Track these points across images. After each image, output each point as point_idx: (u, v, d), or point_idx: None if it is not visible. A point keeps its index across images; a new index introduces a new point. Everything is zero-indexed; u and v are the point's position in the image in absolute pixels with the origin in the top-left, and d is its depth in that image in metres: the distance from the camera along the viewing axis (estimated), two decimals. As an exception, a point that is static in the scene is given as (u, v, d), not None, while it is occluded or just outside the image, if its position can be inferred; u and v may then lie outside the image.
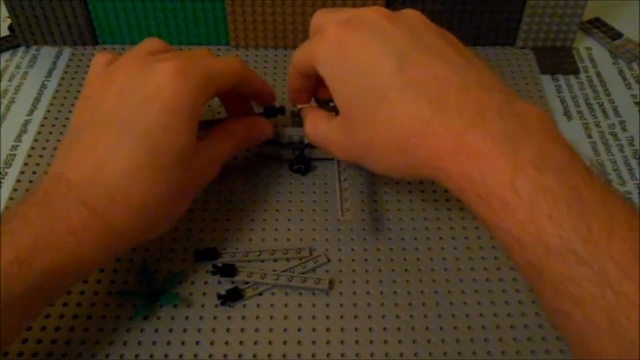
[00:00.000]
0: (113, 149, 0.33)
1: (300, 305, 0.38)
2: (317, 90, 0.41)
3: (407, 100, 0.31)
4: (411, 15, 0.34)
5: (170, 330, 0.36)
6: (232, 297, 0.37)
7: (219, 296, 0.37)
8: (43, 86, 0.52)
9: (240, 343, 0.36)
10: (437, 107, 0.30)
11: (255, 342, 0.36)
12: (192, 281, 0.39)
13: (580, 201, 0.26)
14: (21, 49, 0.55)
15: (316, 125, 0.38)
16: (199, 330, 0.36)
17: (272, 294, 0.38)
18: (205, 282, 0.39)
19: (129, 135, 0.33)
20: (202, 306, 0.37)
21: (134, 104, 0.34)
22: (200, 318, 0.37)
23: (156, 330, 0.36)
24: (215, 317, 0.37)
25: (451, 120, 0.30)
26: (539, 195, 0.26)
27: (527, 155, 0.27)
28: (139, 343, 0.36)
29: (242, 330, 0.36)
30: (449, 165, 0.29)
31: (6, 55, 0.55)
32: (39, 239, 0.31)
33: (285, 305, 0.38)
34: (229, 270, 0.38)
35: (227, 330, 0.36)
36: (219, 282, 0.39)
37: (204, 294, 0.38)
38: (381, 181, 0.44)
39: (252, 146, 0.44)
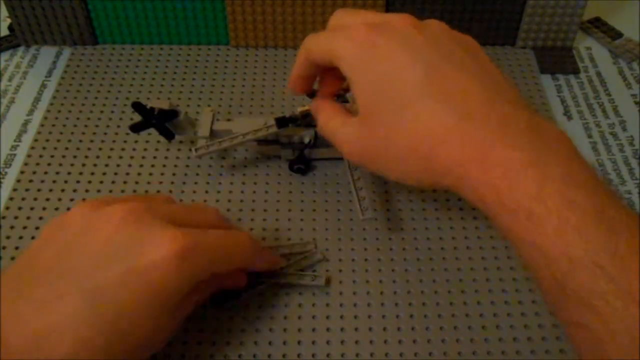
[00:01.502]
0: (68, 324, 0.28)
1: (300, 305, 0.38)
2: (320, 82, 0.40)
3: (432, 108, 0.31)
4: (436, 25, 0.34)
5: (171, 331, 0.36)
6: (225, 299, 0.37)
7: (212, 298, 0.37)
8: (43, 86, 0.52)
9: (241, 343, 0.36)
10: (462, 116, 0.30)
11: (256, 342, 0.36)
12: (192, 281, 0.39)
13: (607, 217, 0.26)
14: (21, 49, 0.55)
15: (331, 121, 0.37)
16: (200, 330, 0.36)
17: (273, 294, 0.38)
18: (206, 282, 0.39)
19: (92, 313, 0.28)
20: (203, 306, 0.37)
21: (114, 273, 0.29)
22: (201, 317, 0.37)
23: (156, 331, 0.36)
24: (217, 318, 0.37)
25: (477, 129, 0.29)
26: (567, 209, 0.26)
27: (554, 169, 0.27)
28: (139, 343, 0.36)
29: (242, 330, 0.36)
30: (474, 174, 0.29)
31: (6, 55, 0.55)
32: None
33: (286, 305, 0.38)
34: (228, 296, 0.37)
35: (229, 330, 0.36)
36: (219, 282, 0.39)
37: (204, 294, 0.38)
38: (381, 181, 0.44)
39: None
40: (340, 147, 0.36)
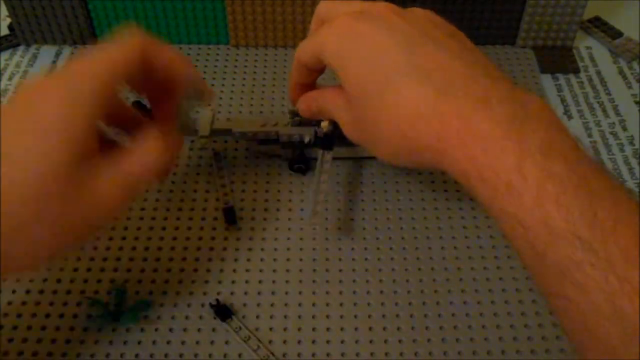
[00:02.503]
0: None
1: (300, 304, 0.38)
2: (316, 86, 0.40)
3: (413, 85, 0.31)
4: (419, 11, 0.35)
5: (171, 330, 0.36)
6: (222, 313, 0.37)
7: (212, 305, 0.37)
8: (43, 86, 0.52)
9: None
10: (443, 92, 0.30)
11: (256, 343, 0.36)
12: (193, 280, 0.39)
13: (587, 187, 0.26)
14: (21, 49, 0.55)
15: (329, 104, 0.37)
16: (199, 330, 0.36)
17: (272, 293, 0.38)
18: (206, 282, 0.39)
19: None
20: (202, 305, 0.37)
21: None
22: (200, 318, 0.37)
23: (156, 330, 0.36)
24: (215, 317, 0.37)
25: (457, 103, 0.30)
26: (546, 179, 0.26)
27: (533, 141, 0.27)
28: (139, 343, 0.36)
29: (242, 329, 0.36)
30: (454, 147, 0.29)
31: (6, 54, 0.55)
32: None
33: (285, 305, 0.38)
34: (224, 312, 0.37)
35: (227, 330, 0.36)
36: (220, 282, 0.39)
37: (204, 293, 0.38)
38: (381, 180, 0.44)
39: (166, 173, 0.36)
40: (342, 129, 0.37)
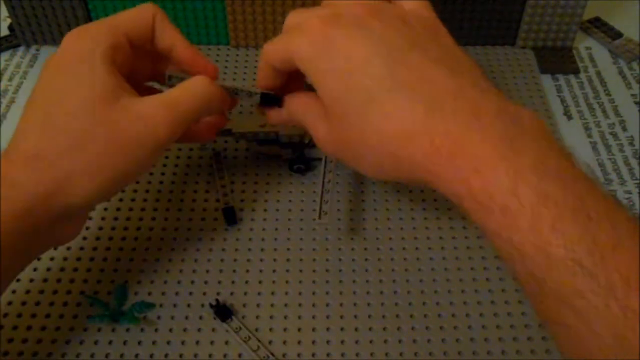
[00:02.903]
0: (23, 122, 0.33)
1: (300, 304, 0.38)
2: (286, 88, 0.38)
3: (398, 102, 0.29)
4: (391, 8, 0.33)
5: (170, 330, 0.36)
6: (221, 313, 0.37)
7: (211, 306, 0.37)
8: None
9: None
10: (431, 109, 0.29)
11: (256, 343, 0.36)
12: (192, 281, 0.39)
13: (584, 210, 0.25)
14: (21, 49, 0.55)
15: (305, 117, 0.35)
16: (199, 330, 0.36)
17: (272, 293, 0.38)
18: (206, 282, 0.39)
19: (37, 102, 0.33)
20: (202, 306, 0.37)
21: (44, 76, 0.34)
22: (200, 318, 0.37)
23: (156, 330, 0.36)
24: (214, 317, 0.37)
25: (446, 122, 0.28)
26: (541, 203, 0.25)
27: (528, 160, 0.26)
28: (139, 343, 0.36)
29: (242, 329, 0.36)
30: (445, 168, 0.28)
31: (6, 55, 0.55)
32: None
33: (285, 305, 0.38)
34: (224, 312, 0.37)
35: (227, 330, 0.36)
36: (219, 282, 0.39)
37: (204, 293, 0.38)
38: (381, 181, 0.44)
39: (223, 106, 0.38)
40: (317, 143, 0.35)
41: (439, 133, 0.28)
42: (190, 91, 0.35)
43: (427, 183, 0.30)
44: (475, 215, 0.27)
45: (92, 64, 0.33)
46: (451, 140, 0.28)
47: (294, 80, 0.37)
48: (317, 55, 0.32)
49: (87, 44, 0.33)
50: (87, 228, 0.41)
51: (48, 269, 0.39)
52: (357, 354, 0.35)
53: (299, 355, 0.35)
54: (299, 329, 0.36)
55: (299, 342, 0.36)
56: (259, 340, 0.36)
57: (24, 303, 0.37)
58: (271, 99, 0.37)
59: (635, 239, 0.24)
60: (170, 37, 0.37)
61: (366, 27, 0.31)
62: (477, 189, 0.27)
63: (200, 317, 0.37)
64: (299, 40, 0.33)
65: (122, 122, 0.32)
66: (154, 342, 0.36)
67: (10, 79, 0.52)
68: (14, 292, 0.38)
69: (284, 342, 0.36)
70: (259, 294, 0.38)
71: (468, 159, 0.27)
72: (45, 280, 0.38)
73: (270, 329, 0.36)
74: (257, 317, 0.37)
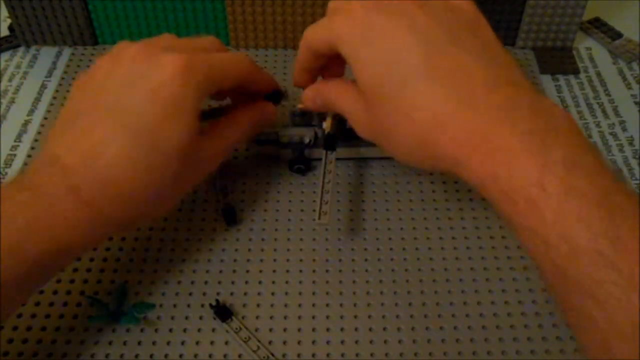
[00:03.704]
0: (109, 139, 0.33)
1: (300, 305, 0.38)
2: (323, 71, 0.40)
3: (431, 90, 0.30)
4: (440, 3, 0.33)
5: (170, 330, 0.36)
6: (221, 314, 0.37)
7: (211, 306, 0.37)
8: (43, 86, 0.52)
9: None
10: (463, 100, 0.29)
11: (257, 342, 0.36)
12: (192, 281, 0.39)
13: (609, 203, 0.25)
14: (21, 49, 0.55)
15: (341, 100, 0.37)
16: (199, 330, 0.36)
17: (272, 293, 0.38)
18: (206, 282, 0.39)
19: (127, 127, 0.33)
20: (202, 306, 0.37)
21: (136, 95, 0.33)
22: (200, 318, 0.37)
23: (156, 330, 0.36)
24: (214, 318, 0.37)
25: (477, 114, 0.29)
26: (568, 194, 0.26)
27: (557, 154, 0.27)
28: (139, 343, 0.36)
29: (241, 329, 0.36)
30: (473, 160, 0.29)
31: (6, 55, 0.55)
32: (31, 225, 0.30)
33: (285, 306, 0.38)
34: (224, 312, 0.37)
35: (227, 330, 0.36)
36: (219, 282, 0.39)
37: (204, 294, 0.38)
38: (381, 181, 0.44)
39: (257, 133, 0.42)
40: (353, 126, 0.36)
41: (468, 124, 0.29)
42: (242, 133, 0.39)
43: (452, 171, 0.30)
44: (501, 205, 0.28)
45: (193, 108, 0.34)
46: (481, 131, 0.29)
47: (333, 65, 0.39)
48: (358, 40, 0.33)
49: (193, 85, 0.34)
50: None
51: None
52: (357, 354, 0.35)
53: (299, 355, 0.35)
54: (299, 329, 0.36)
55: (299, 342, 0.36)
56: (259, 341, 0.36)
57: (23, 303, 0.37)
58: (276, 96, 0.41)
59: None
60: (261, 84, 0.40)
61: (409, 15, 0.32)
62: (504, 179, 0.27)
63: (200, 317, 0.37)
64: (342, 24, 0.33)
65: (197, 165, 0.36)
66: (154, 342, 0.36)
67: (10, 79, 0.52)
68: (14, 292, 0.38)
69: (284, 342, 0.36)
70: (259, 294, 0.38)
71: (496, 152, 0.28)
72: (45, 280, 0.38)
73: (270, 329, 0.36)
74: (257, 317, 0.37)
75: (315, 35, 0.35)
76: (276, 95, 0.42)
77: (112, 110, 0.33)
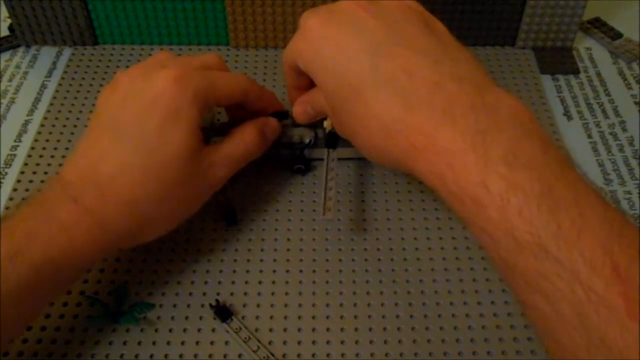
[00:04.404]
0: (108, 150, 0.34)
1: (300, 305, 0.38)
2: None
3: (380, 98, 0.31)
4: (390, 3, 0.34)
5: (170, 330, 0.36)
6: (221, 314, 0.37)
7: (211, 306, 0.37)
8: (43, 86, 0.52)
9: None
10: (408, 105, 0.30)
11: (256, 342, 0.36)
12: (192, 281, 0.39)
13: (551, 197, 0.26)
14: (21, 49, 0.55)
15: (320, 100, 0.38)
16: (199, 330, 0.36)
17: (272, 293, 0.38)
18: (205, 283, 0.39)
19: (124, 138, 0.34)
20: (202, 306, 0.37)
21: (134, 109, 0.34)
22: (200, 318, 0.37)
23: (156, 330, 0.36)
24: (214, 318, 0.37)
25: (421, 117, 0.30)
26: (510, 191, 0.26)
27: (498, 152, 0.27)
28: (139, 343, 0.36)
29: (242, 330, 0.36)
30: (421, 163, 0.30)
31: (6, 55, 0.55)
32: (31, 234, 0.31)
33: (285, 306, 0.38)
34: (224, 312, 0.37)
35: (227, 330, 0.36)
36: (219, 282, 0.39)
37: (204, 294, 0.38)
38: (381, 181, 0.44)
39: (263, 150, 0.41)
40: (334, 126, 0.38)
41: (414, 129, 0.30)
42: (246, 144, 0.39)
43: (410, 174, 0.32)
44: (452, 205, 0.29)
45: (189, 117, 0.34)
46: (424, 135, 0.30)
47: None
48: (314, 54, 0.35)
49: (187, 96, 0.34)
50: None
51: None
52: (357, 354, 0.35)
53: (299, 355, 0.35)
54: (299, 329, 0.36)
55: (299, 342, 0.36)
56: (259, 341, 0.36)
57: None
58: (280, 115, 0.42)
59: (601, 224, 0.25)
60: (262, 103, 0.41)
61: (357, 22, 0.33)
62: (450, 181, 0.28)
63: (200, 318, 0.37)
64: (299, 42, 0.36)
65: (200, 174, 0.36)
66: (154, 343, 0.36)
67: (10, 80, 0.52)
68: (14, 292, 0.38)
69: (284, 343, 0.36)
70: (259, 294, 0.38)
71: (440, 154, 0.29)
72: (45, 280, 0.38)
73: (270, 329, 0.36)
74: (257, 317, 0.37)
75: (286, 55, 0.38)
76: (279, 115, 0.42)
77: (111, 127, 0.34)
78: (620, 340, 0.23)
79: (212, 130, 0.41)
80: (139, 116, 0.34)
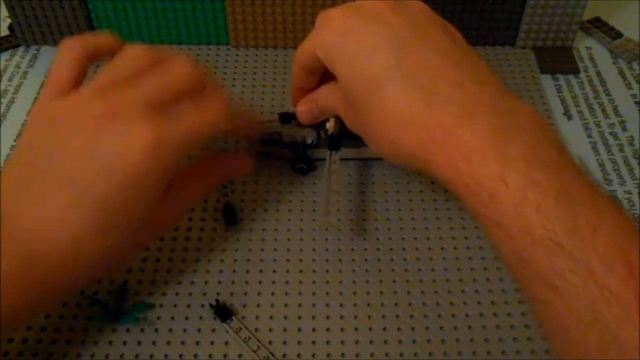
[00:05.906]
0: (68, 214, 0.30)
1: (300, 305, 0.38)
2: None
3: (401, 92, 0.31)
4: (414, 5, 0.35)
5: (170, 330, 0.36)
6: (221, 314, 0.37)
7: (211, 306, 0.37)
8: (43, 86, 0.52)
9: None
10: (429, 100, 0.31)
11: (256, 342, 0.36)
12: (192, 281, 0.39)
13: (568, 195, 0.26)
14: (21, 49, 0.55)
15: (331, 97, 0.38)
16: (199, 330, 0.36)
17: (272, 293, 0.38)
18: (206, 283, 0.39)
19: (88, 200, 0.30)
20: (202, 306, 0.37)
21: (96, 167, 0.30)
22: (200, 318, 0.37)
23: (156, 330, 0.36)
24: (214, 318, 0.37)
25: (441, 113, 0.30)
26: (528, 187, 0.27)
27: (518, 150, 0.28)
28: (139, 343, 0.36)
29: (240, 329, 0.36)
30: (438, 158, 0.30)
31: (6, 55, 0.55)
32: None
33: (285, 306, 0.38)
34: (224, 312, 0.37)
35: (227, 331, 0.36)
36: (219, 282, 0.39)
37: (204, 294, 0.38)
38: (381, 181, 0.44)
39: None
40: (345, 123, 0.38)
41: (434, 124, 0.30)
42: (207, 182, 0.38)
43: (422, 170, 0.32)
44: (467, 200, 0.29)
45: (156, 182, 0.32)
46: (444, 130, 0.30)
47: (325, 82, 0.39)
48: (335, 44, 0.34)
49: (161, 163, 0.31)
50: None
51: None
52: (357, 354, 0.35)
53: (299, 355, 0.35)
54: (299, 329, 0.36)
55: (299, 342, 0.36)
56: (259, 341, 0.36)
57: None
58: (287, 117, 0.42)
59: (615, 223, 0.26)
60: (242, 132, 0.42)
61: (383, 19, 0.33)
62: (466, 174, 0.29)
63: (200, 318, 0.37)
64: (322, 33, 0.35)
65: (141, 235, 0.34)
66: (154, 343, 0.36)
67: (10, 79, 0.52)
68: (14, 292, 0.38)
69: (284, 343, 0.36)
70: (259, 294, 0.38)
71: (459, 149, 0.29)
72: (45, 280, 0.38)
73: (270, 329, 0.36)
74: (257, 317, 0.37)
75: (302, 50, 0.37)
76: (286, 116, 0.43)
77: (69, 184, 0.30)
78: (633, 338, 0.23)
79: None
80: (102, 177, 0.30)
